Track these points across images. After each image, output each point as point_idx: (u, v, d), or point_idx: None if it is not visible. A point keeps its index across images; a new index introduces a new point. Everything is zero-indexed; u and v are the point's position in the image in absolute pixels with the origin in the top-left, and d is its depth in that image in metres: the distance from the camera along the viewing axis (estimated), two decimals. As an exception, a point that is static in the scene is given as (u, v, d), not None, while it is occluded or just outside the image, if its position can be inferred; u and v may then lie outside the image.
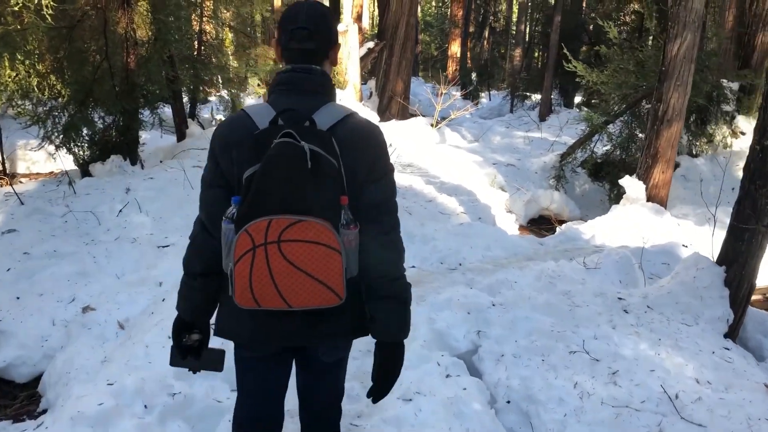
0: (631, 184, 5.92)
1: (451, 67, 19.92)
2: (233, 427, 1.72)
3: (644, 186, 5.86)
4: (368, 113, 9.63)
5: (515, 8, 25.10)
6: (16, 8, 5.19)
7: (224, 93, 10.84)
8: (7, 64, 5.77)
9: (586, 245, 5.12)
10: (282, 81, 1.48)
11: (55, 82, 6.07)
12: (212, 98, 11.78)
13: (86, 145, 6.04)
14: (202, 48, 9.05)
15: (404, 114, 11.96)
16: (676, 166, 6.79)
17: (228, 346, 1.60)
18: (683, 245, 4.64)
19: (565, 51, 8.28)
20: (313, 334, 1.46)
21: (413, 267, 4.21)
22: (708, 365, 2.71)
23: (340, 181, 1.38)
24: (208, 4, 9.26)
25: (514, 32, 22.07)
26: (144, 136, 6.95)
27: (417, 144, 8.96)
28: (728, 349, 2.93)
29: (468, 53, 21.64)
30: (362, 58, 11.73)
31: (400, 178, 5.97)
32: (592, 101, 13.24)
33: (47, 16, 5.16)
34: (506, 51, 23.79)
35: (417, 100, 14.09)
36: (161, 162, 6.62)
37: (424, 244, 4.70)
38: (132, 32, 5.93)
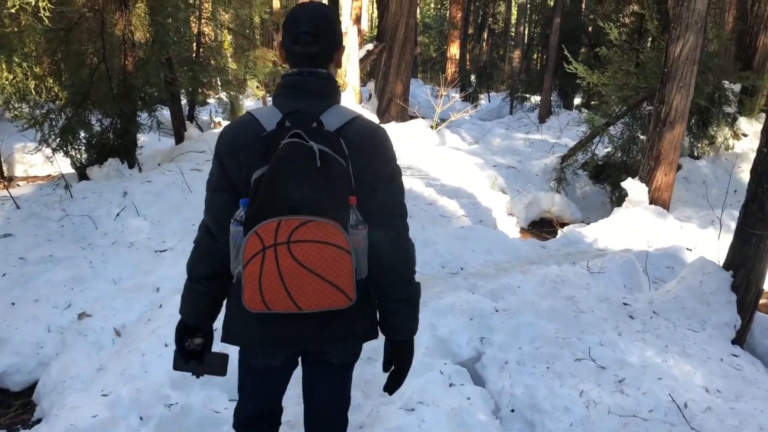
0: (633, 186, 5.88)
1: (450, 69, 19.90)
2: (233, 424, 1.73)
3: (647, 188, 5.82)
4: (368, 115, 9.57)
5: (514, 10, 25.10)
6: (13, 10, 5.14)
7: (223, 95, 10.80)
8: (4, 66, 5.73)
9: (589, 248, 5.07)
10: (288, 84, 1.47)
11: (52, 85, 6.03)
12: (211, 100, 11.75)
13: (83, 148, 5.98)
14: (201, 50, 9.00)
15: (403, 116, 11.93)
16: (678, 168, 6.75)
17: (229, 349, 1.58)
18: (687, 248, 4.59)
19: (566, 53, 8.25)
20: (323, 338, 1.45)
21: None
22: (717, 373, 2.66)
23: (349, 181, 1.37)
24: (207, 5, 9.23)
25: (513, 34, 22.09)
26: (142, 138, 6.90)
27: (417, 146, 8.92)
28: (737, 356, 2.87)
29: (467, 55, 21.63)
30: (361, 60, 11.70)
31: (401, 181, 5.89)
32: (592, 103, 13.23)
33: (44, 18, 5.12)
34: (505, 53, 23.79)
35: (416, 101, 14.06)
36: (159, 165, 6.57)
37: (425, 248, 4.64)
38: (130, 34, 5.88)
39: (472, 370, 2.83)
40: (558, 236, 5.80)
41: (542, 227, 6.82)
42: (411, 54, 12.59)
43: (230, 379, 2.61)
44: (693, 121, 7.26)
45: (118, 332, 3.25)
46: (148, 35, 6.08)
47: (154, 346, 2.74)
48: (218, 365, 1.59)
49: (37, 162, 7.49)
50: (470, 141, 11.15)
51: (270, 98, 11.85)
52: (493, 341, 2.94)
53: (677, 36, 5.47)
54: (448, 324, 3.06)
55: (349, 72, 10.93)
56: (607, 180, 7.35)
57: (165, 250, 4.38)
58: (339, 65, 1.55)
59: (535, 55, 21.24)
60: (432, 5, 30.83)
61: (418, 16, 23.74)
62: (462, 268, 4.41)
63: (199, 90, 8.87)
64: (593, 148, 7.87)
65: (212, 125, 10.18)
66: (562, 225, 6.53)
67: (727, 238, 3.29)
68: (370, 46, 12.23)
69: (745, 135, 7.56)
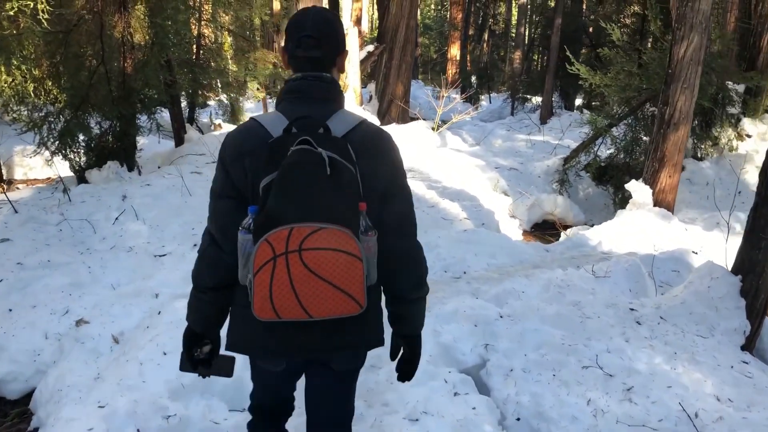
0: (637, 188, 5.82)
1: (451, 70, 19.84)
2: (249, 408, 1.79)
3: (651, 190, 5.75)
4: (368, 117, 9.53)
5: (515, 11, 25.03)
6: (12, 13, 5.10)
7: (223, 97, 10.77)
8: (3, 69, 5.70)
9: (593, 252, 5.01)
10: (292, 89, 1.46)
11: (51, 87, 5.99)
12: (211, 102, 11.71)
13: (82, 151, 5.94)
14: (201, 52, 8.96)
15: (404, 117, 11.88)
16: (681, 169, 6.69)
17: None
18: (693, 251, 4.53)
19: (568, 53, 8.20)
20: (331, 346, 1.45)
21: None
22: (728, 381, 2.60)
23: (358, 187, 1.37)
24: (207, 7, 9.19)
25: (514, 35, 22.01)
26: (141, 141, 6.86)
27: (418, 148, 8.86)
28: (747, 363, 2.81)
29: (468, 56, 21.58)
30: (362, 62, 11.64)
31: (402, 184, 5.84)
32: (593, 104, 13.18)
33: (43, 20, 5.07)
34: (506, 54, 23.74)
35: (417, 103, 14.01)
36: (159, 168, 6.51)
37: (428, 251, 4.52)
38: (129, 36, 5.83)
39: (477, 377, 2.78)
40: (561, 239, 5.74)
41: (545, 229, 6.77)
42: (411, 55, 12.54)
43: (230, 389, 2.57)
44: (696, 122, 7.20)
45: (116, 339, 3.20)
46: (147, 37, 6.03)
47: (153, 354, 2.68)
48: (225, 367, 1.60)
49: (37, 165, 7.45)
50: (472, 142, 11.09)
51: (270, 100, 11.82)
52: (497, 348, 2.88)
53: (681, 36, 5.41)
54: (452, 330, 3.01)
55: (350, 73, 10.87)
56: (610, 182, 7.29)
57: (164, 255, 4.33)
58: (342, 70, 1.53)
59: (536, 56, 21.18)
60: (432, 6, 30.79)
61: (419, 17, 23.70)
62: (465, 272, 4.35)
63: (199, 92, 8.83)
64: (596, 149, 7.82)
65: (212, 127, 10.13)
66: (565, 227, 6.47)
67: (734, 241, 3.23)
68: (370, 48, 12.18)
69: (749, 136, 7.50)
